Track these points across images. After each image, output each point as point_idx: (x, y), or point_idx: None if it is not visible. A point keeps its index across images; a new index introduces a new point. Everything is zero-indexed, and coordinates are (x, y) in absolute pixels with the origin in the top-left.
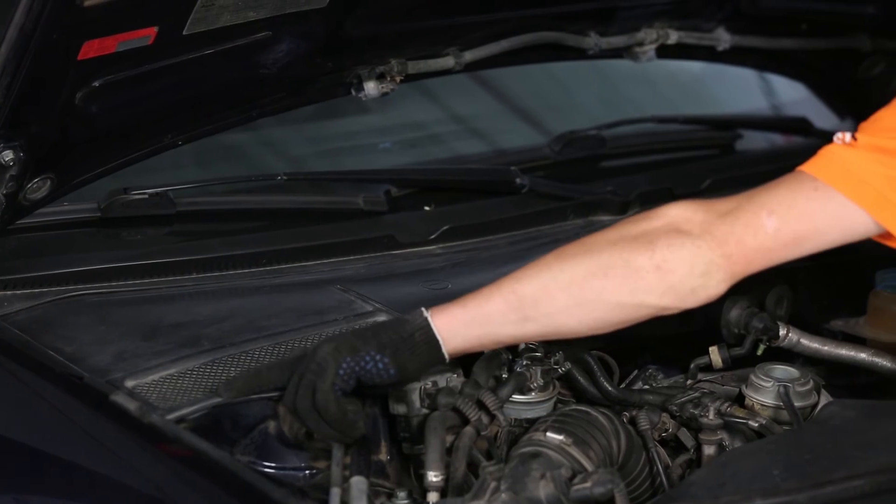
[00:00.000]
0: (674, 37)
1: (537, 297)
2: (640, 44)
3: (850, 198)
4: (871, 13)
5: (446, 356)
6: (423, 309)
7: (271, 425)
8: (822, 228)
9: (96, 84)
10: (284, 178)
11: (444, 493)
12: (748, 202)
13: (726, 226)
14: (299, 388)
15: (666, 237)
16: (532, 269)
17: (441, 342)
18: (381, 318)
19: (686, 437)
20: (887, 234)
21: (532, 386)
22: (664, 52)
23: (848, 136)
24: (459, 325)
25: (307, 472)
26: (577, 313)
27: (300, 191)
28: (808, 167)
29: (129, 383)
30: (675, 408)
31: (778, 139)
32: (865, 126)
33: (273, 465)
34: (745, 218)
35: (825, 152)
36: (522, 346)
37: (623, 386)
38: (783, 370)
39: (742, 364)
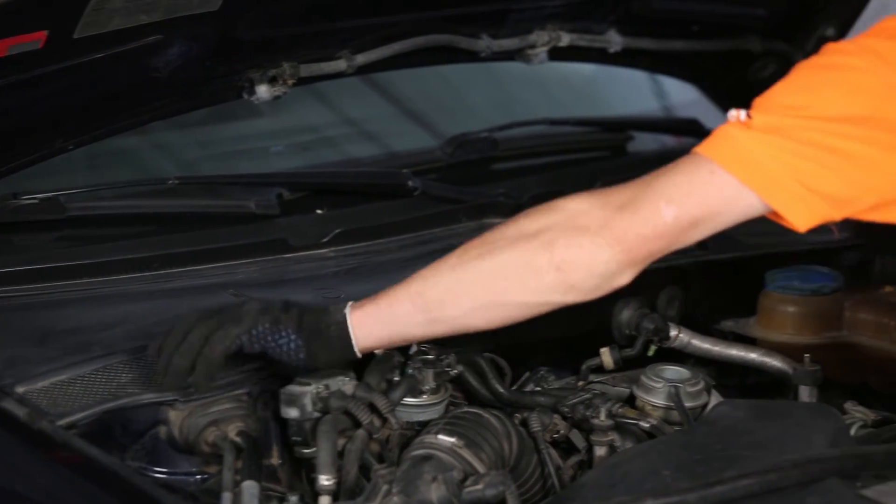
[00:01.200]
0: (565, 39)
1: (443, 300)
2: (532, 46)
3: (743, 182)
4: (761, 15)
5: (358, 353)
6: (347, 304)
7: (162, 430)
8: (720, 211)
9: None
10: (176, 182)
11: (335, 496)
12: (644, 191)
13: (625, 221)
14: (207, 323)
15: (564, 236)
16: (437, 269)
17: (354, 340)
18: None
19: (577, 438)
20: (778, 214)
21: (424, 388)
22: (556, 54)
23: (743, 113)
24: (372, 324)
25: (198, 476)
26: (484, 314)
27: (192, 195)
28: (704, 149)
29: (20, 389)
30: (566, 409)
31: (669, 140)
32: (760, 102)
33: (164, 470)
34: (643, 210)
35: (721, 133)
36: (414, 348)
37: (515, 388)
38: (674, 371)
39: (633, 365)
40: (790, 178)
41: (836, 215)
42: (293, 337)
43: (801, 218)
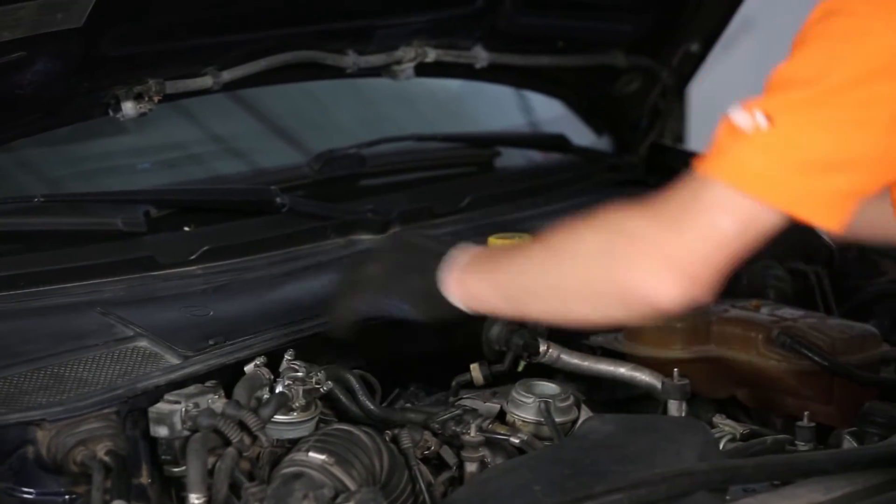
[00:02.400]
0: (432, 55)
1: (520, 299)
2: (399, 62)
3: (767, 201)
4: (626, 31)
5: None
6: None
7: (30, 450)
8: (763, 231)
9: None
10: (41, 199)
11: None
12: (706, 232)
13: (698, 261)
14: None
15: (639, 270)
16: (524, 266)
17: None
18: (143, 343)
19: (448, 454)
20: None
21: (294, 406)
22: (423, 70)
23: (761, 118)
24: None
25: (67, 496)
26: (560, 319)
27: (58, 212)
28: (754, 190)
29: None
30: (437, 425)
31: (536, 156)
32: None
33: (32, 490)
34: (706, 251)
35: (737, 155)
36: (284, 365)
37: (385, 404)
38: (544, 386)
39: (503, 381)
40: (814, 187)
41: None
42: (404, 306)
43: (833, 223)
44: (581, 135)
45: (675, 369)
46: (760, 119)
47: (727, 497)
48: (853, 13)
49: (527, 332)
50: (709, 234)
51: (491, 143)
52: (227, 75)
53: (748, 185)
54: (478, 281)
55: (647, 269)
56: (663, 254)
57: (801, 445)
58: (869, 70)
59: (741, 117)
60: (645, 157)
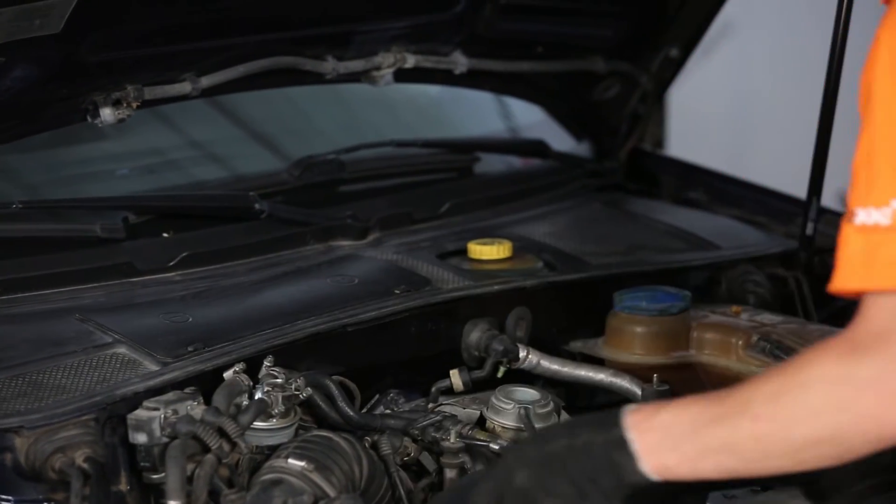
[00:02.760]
0: (411, 60)
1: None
2: (378, 68)
3: None
4: (605, 36)
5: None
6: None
7: (8, 457)
8: None
9: None
10: (19, 206)
11: None
12: None
13: None
14: None
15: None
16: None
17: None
18: (121, 349)
19: (428, 460)
20: None
21: (273, 412)
22: (402, 75)
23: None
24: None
25: (45, 503)
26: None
27: (36, 219)
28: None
29: None
30: (416, 432)
31: (515, 162)
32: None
33: (10, 497)
34: None
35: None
36: (263, 371)
37: (365, 411)
38: (523, 392)
39: (483, 387)
40: None
41: None
42: None
43: None
44: (561, 140)
45: (655, 375)
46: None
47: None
48: None
49: (506, 338)
50: None
51: (470, 148)
52: (205, 81)
53: None
54: (681, 457)
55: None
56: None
57: None
58: None
59: (871, 216)
60: (625, 163)
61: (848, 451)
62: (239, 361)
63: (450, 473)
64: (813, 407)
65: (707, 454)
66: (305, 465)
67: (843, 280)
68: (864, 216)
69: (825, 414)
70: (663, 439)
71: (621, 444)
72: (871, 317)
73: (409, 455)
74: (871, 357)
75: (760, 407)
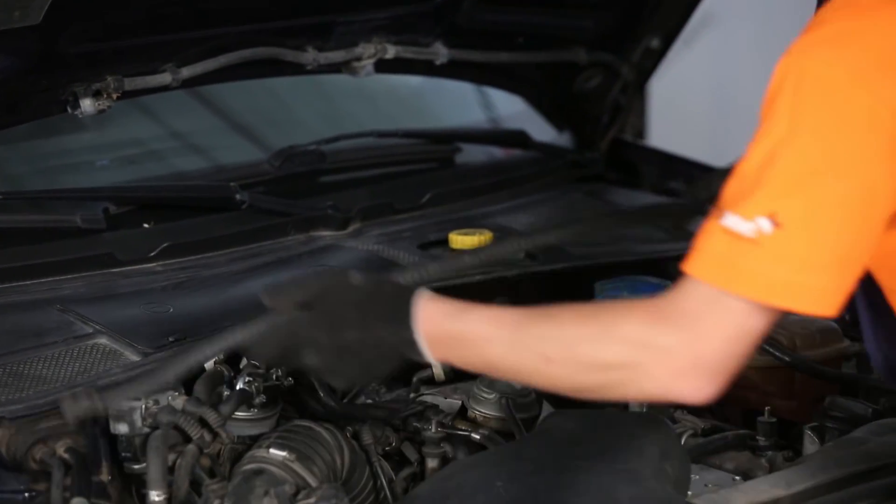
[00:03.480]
0: (392, 51)
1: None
2: (359, 58)
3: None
4: (587, 27)
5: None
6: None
7: None
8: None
9: None
10: (0, 197)
11: None
12: (734, 336)
13: (729, 362)
14: None
15: (649, 377)
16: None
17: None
18: (102, 340)
19: (409, 450)
20: None
21: (254, 402)
22: (383, 66)
23: (765, 223)
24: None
25: (27, 494)
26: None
27: (17, 210)
28: (782, 301)
29: None
30: (398, 421)
31: (497, 152)
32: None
33: None
34: (736, 352)
35: (741, 262)
36: (244, 362)
37: (346, 400)
38: (505, 382)
39: (464, 376)
40: (839, 283)
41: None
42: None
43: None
44: (542, 131)
45: None
46: (764, 224)
47: (689, 493)
48: (839, 92)
49: None
50: (738, 336)
51: (451, 139)
52: (186, 72)
53: (774, 296)
54: (465, 363)
55: (683, 381)
56: (693, 364)
57: (762, 440)
58: (868, 157)
59: (738, 224)
60: (606, 153)
61: (620, 400)
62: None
63: (431, 463)
64: (605, 361)
65: (492, 370)
66: (287, 455)
67: (699, 270)
68: (731, 221)
69: (613, 370)
70: (451, 344)
71: (411, 345)
72: (687, 296)
73: (390, 445)
74: (671, 330)
75: (554, 349)
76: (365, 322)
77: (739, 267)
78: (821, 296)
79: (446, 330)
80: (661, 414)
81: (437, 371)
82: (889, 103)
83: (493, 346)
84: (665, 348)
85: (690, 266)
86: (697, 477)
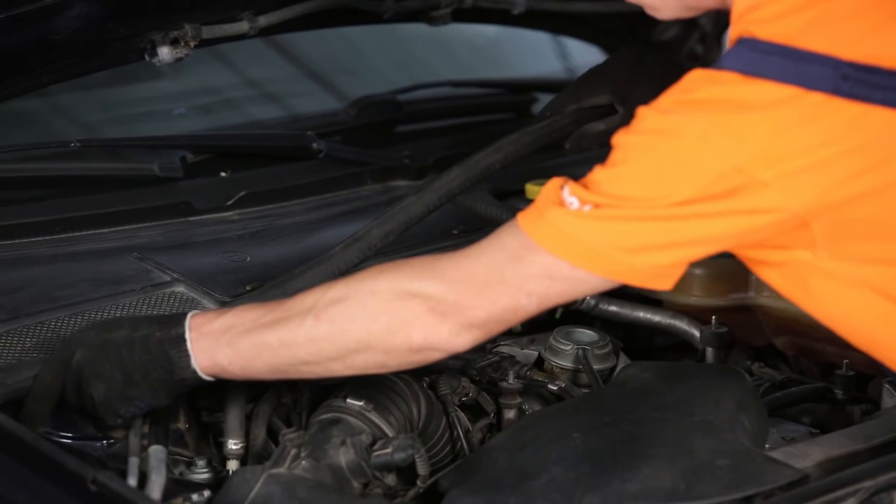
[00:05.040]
0: (469, 0)
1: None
2: (436, 7)
3: (601, 275)
4: None
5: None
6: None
7: None
8: (579, 295)
9: None
10: (77, 144)
11: (243, 460)
12: (498, 283)
13: (484, 311)
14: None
15: (423, 324)
16: (288, 340)
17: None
18: (180, 288)
19: (486, 401)
20: None
21: None
22: (460, 15)
23: (575, 202)
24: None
25: (104, 441)
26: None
27: (94, 157)
28: (549, 246)
29: None
30: (474, 372)
31: None
32: (593, 188)
33: (70, 434)
34: (502, 302)
35: (559, 224)
36: None
37: None
38: (581, 333)
39: (541, 327)
40: (644, 262)
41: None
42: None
43: (664, 285)
44: None
45: (714, 317)
46: (588, 210)
47: (766, 446)
48: (680, 135)
49: None
50: (518, 304)
51: (528, 88)
52: (263, 20)
53: (575, 257)
54: (234, 354)
55: (447, 331)
56: (466, 319)
57: (840, 394)
58: (696, 196)
59: (570, 198)
60: None
61: (393, 360)
62: None
63: (508, 414)
64: (371, 312)
65: (262, 353)
66: (364, 405)
67: (529, 225)
68: (566, 195)
69: (379, 320)
70: (220, 338)
71: (178, 342)
72: (485, 250)
73: (467, 395)
74: (437, 278)
75: (324, 309)
76: (137, 324)
77: (555, 225)
78: (635, 272)
79: (217, 322)
80: (737, 366)
81: None
82: None
83: (262, 323)
84: (430, 296)
85: (525, 221)
86: (774, 430)
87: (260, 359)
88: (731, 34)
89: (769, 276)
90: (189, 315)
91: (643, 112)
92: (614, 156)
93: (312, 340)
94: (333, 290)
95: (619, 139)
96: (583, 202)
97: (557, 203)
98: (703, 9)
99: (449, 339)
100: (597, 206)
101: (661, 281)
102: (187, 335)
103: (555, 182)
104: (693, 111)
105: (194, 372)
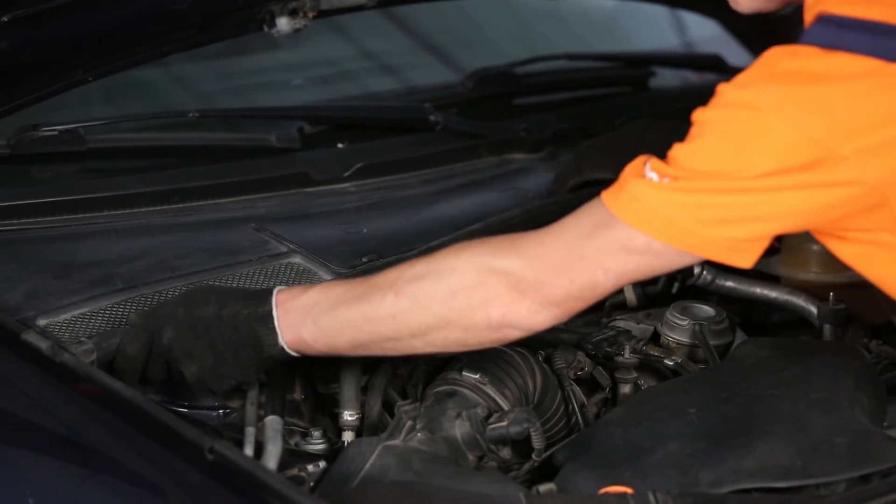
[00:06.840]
0: None
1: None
2: None
3: (681, 249)
4: None
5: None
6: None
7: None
8: (656, 271)
9: (5, 18)
10: (196, 115)
11: (358, 432)
12: (579, 259)
13: (562, 289)
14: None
15: (501, 302)
16: (374, 317)
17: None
18: (296, 259)
19: (601, 375)
20: None
21: None
22: None
23: (655, 175)
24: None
25: (221, 411)
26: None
27: (211, 128)
28: (632, 220)
29: (41, 322)
30: (590, 346)
31: (691, 76)
32: (675, 163)
33: (187, 404)
34: (580, 279)
35: (640, 197)
36: None
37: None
38: (698, 308)
39: (657, 302)
40: (722, 235)
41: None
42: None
43: (743, 261)
44: (737, 55)
45: (831, 294)
46: (667, 182)
47: (885, 424)
48: (756, 108)
49: None
50: (596, 281)
51: (645, 62)
52: None
53: (651, 227)
54: (319, 331)
55: (525, 308)
56: (544, 296)
57: None
58: (772, 169)
59: (651, 173)
60: None
61: (472, 338)
62: None
63: (623, 388)
64: (451, 288)
65: (345, 329)
66: (479, 378)
67: (610, 198)
68: (649, 171)
69: (459, 297)
70: (305, 315)
71: (265, 319)
72: (566, 227)
73: (582, 369)
74: (517, 255)
75: (405, 285)
76: (224, 301)
77: (637, 198)
78: (716, 245)
79: (302, 298)
80: (854, 343)
81: (630, 296)
82: None
83: (345, 299)
84: (509, 272)
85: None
86: (893, 408)
87: (343, 335)
88: (807, 18)
89: (851, 257)
90: (275, 291)
91: (722, 88)
92: (693, 131)
93: (393, 316)
94: (415, 267)
95: (698, 115)
96: (661, 175)
97: (639, 176)
98: (784, 1)
99: (528, 316)
100: (675, 178)
101: (740, 257)
102: (274, 312)
103: (639, 159)
104: (770, 84)
105: (282, 349)
